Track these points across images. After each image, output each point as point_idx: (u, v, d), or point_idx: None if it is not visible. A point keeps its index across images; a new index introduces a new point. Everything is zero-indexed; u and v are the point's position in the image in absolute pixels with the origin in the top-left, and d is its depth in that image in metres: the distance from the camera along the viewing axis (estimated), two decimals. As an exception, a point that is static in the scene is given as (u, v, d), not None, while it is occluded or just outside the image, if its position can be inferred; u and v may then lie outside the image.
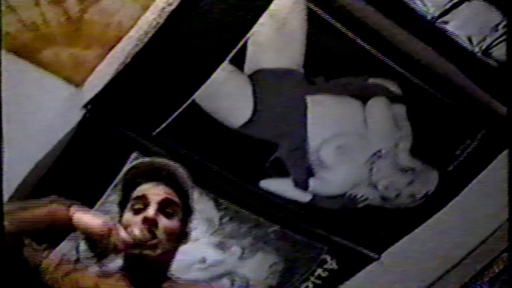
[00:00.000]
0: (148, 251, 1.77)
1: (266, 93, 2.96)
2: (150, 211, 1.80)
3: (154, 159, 2.05)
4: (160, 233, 1.79)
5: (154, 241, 1.78)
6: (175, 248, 1.87)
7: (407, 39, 2.92)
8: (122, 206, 1.92)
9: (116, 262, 1.83)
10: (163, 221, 1.81)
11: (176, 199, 1.87)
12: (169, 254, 1.86)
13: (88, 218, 1.76)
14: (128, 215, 1.84)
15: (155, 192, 1.85)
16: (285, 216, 3.42)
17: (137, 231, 1.76)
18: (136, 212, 1.83)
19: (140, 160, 2.01)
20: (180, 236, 1.87)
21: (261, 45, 2.82)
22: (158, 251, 1.78)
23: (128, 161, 3.00)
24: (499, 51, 3.00)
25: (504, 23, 2.94)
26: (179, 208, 1.88)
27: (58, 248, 3.14)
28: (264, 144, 3.11)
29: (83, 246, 1.88)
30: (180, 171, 1.95)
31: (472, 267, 3.81)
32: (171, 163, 1.97)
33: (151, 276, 1.81)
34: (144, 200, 1.83)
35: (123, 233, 1.74)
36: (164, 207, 1.84)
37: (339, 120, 3.17)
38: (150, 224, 1.79)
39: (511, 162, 2.52)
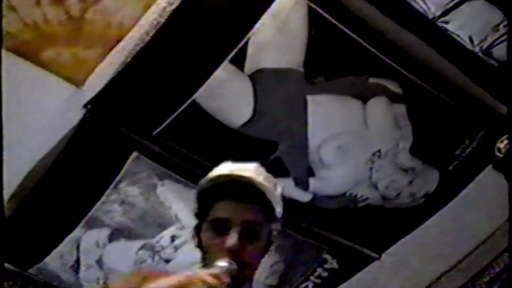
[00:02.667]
0: (239, 275, 1.64)
1: (266, 93, 2.96)
2: (233, 239, 1.64)
3: (233, 171, 1.78)
4: (246, 258, 1.66)
5: (241, 269, 1.64)
6: (260, 262, 1.74)
7: (408, 39, 2.91)
8: (200, 217, 1.79)
9: None
10: (247, 247, 1.67)
11: (261, 218, 1.71)
12: (254, 270, 1.73)
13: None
14: (208, 234, 1.72)
15: (238, 213, 1.68)
16: (285, 215, 3.41)
17: (225, 264, 1.61)
18: (218, 233, 1.69)
19: (219, 172, 1.77)
20: (266, 250, 1.75)
21: (261, 45, 2.82)
22: (246, 273, 1.68)
23: (129, 161, 3.00)
24: (500, 51, 3.00)
25: (504, 22, 2.94)
26: (264, 225, 1.72)
27: (58, 248, 3.16)
28: (264, 143, 3.10)
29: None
30: (268, 187, 1.74)
31: (472, 267, 3.81)
32: (256, 178, 1.74)
33: None
34: (226, 223, 1.68)
35: (208, 277, 1.56)
36: (247, 229, 1.68)
37: (339, 120, 3.16)
38: (235, 253, 1.63)
39: (511, 162, 2.52)
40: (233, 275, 1.60)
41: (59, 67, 2.71)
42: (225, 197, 1.71)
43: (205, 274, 1.57)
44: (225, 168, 1.82)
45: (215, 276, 1.56)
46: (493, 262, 3.72)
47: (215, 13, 2.75)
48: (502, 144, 2.57)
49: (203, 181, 1.80)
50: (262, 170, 1.81)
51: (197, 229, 1.78)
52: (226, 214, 1.68)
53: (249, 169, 1.80)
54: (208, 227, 1.72)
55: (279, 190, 1.81)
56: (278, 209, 1.76)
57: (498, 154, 2.55)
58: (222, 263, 1.61)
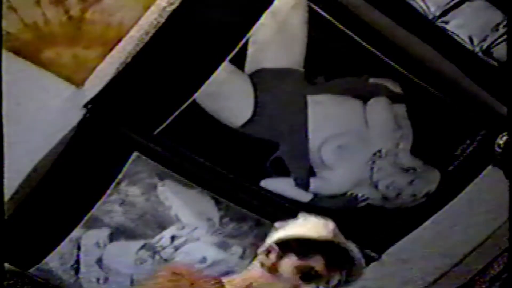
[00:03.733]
0: None
1: (266, 93, 2.96)
2: None
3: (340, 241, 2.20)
4: None
5: None
6: None
7: (408, 38, 2.91)
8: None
9: None
10: None
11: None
12: None
13: None
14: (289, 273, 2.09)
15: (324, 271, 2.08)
16: (286, 215, 3.42)
17: None
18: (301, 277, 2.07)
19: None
20: None
21: (261, 44, 2.82)
22: None
23: (129, 161, 3.00)
24: (500, 51, 3.00)
25: (504, 22, 2.94)
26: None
27: (58, 248, 3.17)
28: (264, 143, 3.10)
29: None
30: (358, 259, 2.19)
31: (472, 267, 3.81)
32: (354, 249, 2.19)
33: None
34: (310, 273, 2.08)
35: None
36: None
37: (339, 120, 3.16)
38: None
39: (511, 162, 2.52)
40: None
41: (59, 67, 2.71)
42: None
43: None
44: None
45: None
46: (493, 262, 3.72)
47: (215, 13, 2.75)
48: (502, 140, 2.59)
49: None
50: None
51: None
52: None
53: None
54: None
55: None
56: None
57: (498, 150, 2.56)
58: None
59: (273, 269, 2.12)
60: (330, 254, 2.12)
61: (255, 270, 2.20)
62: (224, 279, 2.20)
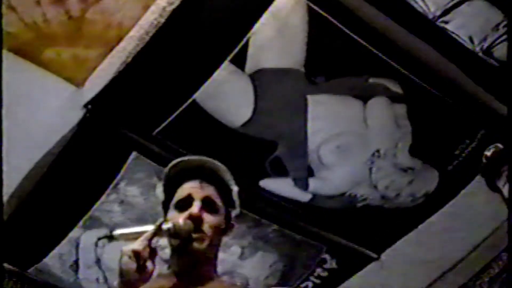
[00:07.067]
0: (195, 244, 1.84)
1: (266, 93, 2.96)
2: (195, 208, 1.86)
3: (192, 157, 2.08)
4: (206, 228, 1.86)
5: (201, 234, 1.84)
6: (220, 241, 1.94)
7: (408, 38, 2.91)
8: (166, 205, 1.96)
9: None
10: (207, 218, 1.87)
11: (217, 196, 1.94)
12: (215, 248, 1.93)
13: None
14: (172, 214, 1.90)
15: (197, 190, 1.91)
16: (285, 215, 3.42)
17: (180, 221, 1.82)
18: (181, 210, 1.89)
19: (180, 158, 2.01)
20: (224, 230, 1.95)
21: (262, 44, 2.82)
22: (205, 244, 1.85)
23: (128, 161, 3.00)
24: (500, 51, 3.00)
25: (504, 22, 2.94)
26: (221, 204, 1.95)
27: (57, 248, 3.16)
28: (264, 143, 3.11)
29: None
30: (221, 167, 2.02)
31: (472, 267, 3.81)
32: (210, 159, 2.02)
33: (199, 272, 1.89)
34: (188, 199, 1.89)
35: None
36: (207, 204, 1.90)
37: (339, 120, 3.16)
38: (196, 220, 1.84)
39: (511, 162, 2.52)
40: (185, 233, 1.81)
41: (60, 67, 2.71)
42: (188, 179, 1.94)
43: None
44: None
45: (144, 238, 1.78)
46: (493, 262, 3.72)
47: (215, 13, 2.74)
48: (489, 152, 2.63)
49: (165, 171, 2.00)
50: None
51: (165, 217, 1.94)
52: (189, 192, 1.90)
53: (205, 158, 2.05)
54: (173, 209, 1.91)
55: (232, 178, 2.04)
56: (235, 191, 2.03)
57: (484, 161, 2.61)
58: (167, 224, 1.82)
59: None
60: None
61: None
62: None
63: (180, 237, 1.83)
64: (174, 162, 2.00)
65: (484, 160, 2.65)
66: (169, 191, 1.96)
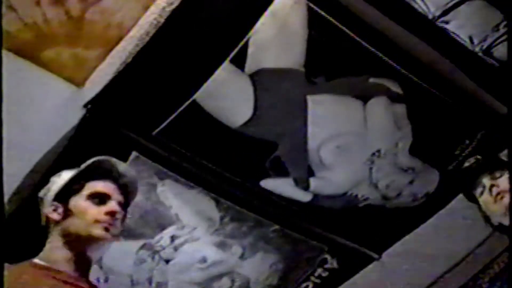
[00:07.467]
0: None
1: (266, 93, 2.96)
2: (115, 206, 2.21)
3: (111, 158, 2.37)
4: (118, 223, 2.22)
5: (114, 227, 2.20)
6: None
7: (408, 38, 2.91)
8: (68, 189, 2.25)
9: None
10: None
11: (123, 199, 2.29)
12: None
13: None
14: (85, 204, 2.20)
15: (114, 191, 2.25)
16: (286, 215, 3.42)
17: (118, 224, 2.22)
18: (97, 204, 2.20)
19: (102, 157, 2.34)
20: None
21: (262, 44, 2.82)
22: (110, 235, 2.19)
23: (128, 161, 3.00)
24: (500, 51, 3.00)
25: (504, 22, 2.94)
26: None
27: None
28: (264, 143, 3.11)
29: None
30: (133, 175, 2.43)
31: (472, 267, 3.81)
32: (124, 165, 2.42)
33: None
34: (105, 196, 2.22)
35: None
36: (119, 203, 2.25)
37: (339, 120, 3.16)
38: (113, 215, 2.19)
39: (511, 162, 2.52)
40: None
41: (59, 67, 2.71)
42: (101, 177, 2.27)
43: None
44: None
45: None
46: (493, 262, 3.72)
47: (215, 13, 2.74)
48: (468, 163, 2.68)
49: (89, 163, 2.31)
50: None
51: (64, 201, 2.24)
52: (104, 190, 2.23)
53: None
54: (86, 199, 2.21)
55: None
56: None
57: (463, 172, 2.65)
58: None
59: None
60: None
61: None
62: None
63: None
64: (97, 158, 2.33)
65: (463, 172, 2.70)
66: (78, 179, 2.25)
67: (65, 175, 2.32)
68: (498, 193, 2.67)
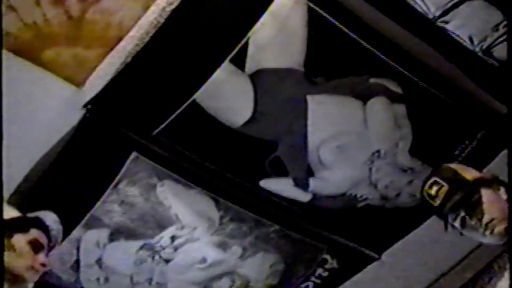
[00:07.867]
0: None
1: (266, 93, 2.96)
2: (44, 259, 2.34)
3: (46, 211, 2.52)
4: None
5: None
6: None
7: (408, 39, 2.91)
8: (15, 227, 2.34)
9: None
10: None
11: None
12: None
13: None
14: (25, 250, 2.31)
15: (44, 239, 2.38)
16: (286, 215, 3.42)
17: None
18: (34, 250, 2.32)
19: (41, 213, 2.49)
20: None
21: (262, 45, 2.82)
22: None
23: (128, 161, 3.00)
24: (500, 51, 3.00)
25: (504, 22, 2.94)
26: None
27: (57, 248, 3.15)
28: (264, 143, 3.10)
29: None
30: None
31: (472, 267, 3.81)
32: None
33: None
34: (39, 245, 2.34)
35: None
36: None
37: (339, 120, 3.16)
38: (45, 266, 2.33)
39: (511, 162, 2.52)
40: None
41: (59, 67, 2.71)
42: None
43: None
44: None
45: None
46: (493, 262, 3.72)
47: (215, 13, 2.75)
48: (433, 190, 2.45)
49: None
50: None
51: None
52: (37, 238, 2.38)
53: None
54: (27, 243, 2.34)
55: None
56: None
57: (433, 203, 2.41)
58: None
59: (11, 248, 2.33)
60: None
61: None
62: None
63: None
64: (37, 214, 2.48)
65: (430, 201, 2.46)
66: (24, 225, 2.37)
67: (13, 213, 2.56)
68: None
